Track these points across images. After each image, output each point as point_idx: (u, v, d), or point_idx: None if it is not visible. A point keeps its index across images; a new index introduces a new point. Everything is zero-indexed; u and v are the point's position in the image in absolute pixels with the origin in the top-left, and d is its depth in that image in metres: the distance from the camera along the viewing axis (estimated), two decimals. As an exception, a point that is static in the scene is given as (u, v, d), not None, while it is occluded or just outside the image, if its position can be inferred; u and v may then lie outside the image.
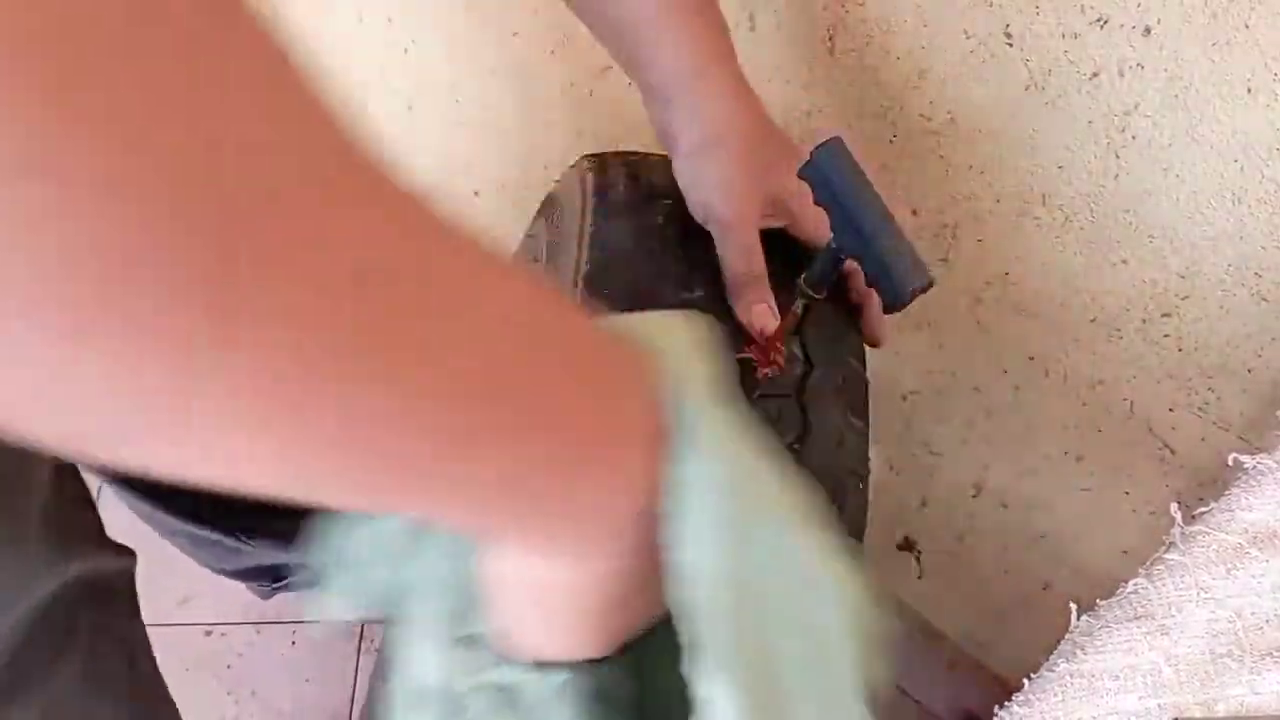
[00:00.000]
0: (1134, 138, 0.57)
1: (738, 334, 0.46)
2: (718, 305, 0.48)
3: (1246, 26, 0.50)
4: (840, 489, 0.42)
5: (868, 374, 0.48)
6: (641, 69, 0.51)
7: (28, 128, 0.12)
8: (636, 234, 0.50)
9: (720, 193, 0.49)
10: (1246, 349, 0.61)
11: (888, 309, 0.44)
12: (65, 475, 0.49)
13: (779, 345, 0.45)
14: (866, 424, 0.46)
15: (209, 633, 1.15)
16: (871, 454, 0.95)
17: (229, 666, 1.13)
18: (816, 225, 0.48)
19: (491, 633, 0.29)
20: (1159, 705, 0.35)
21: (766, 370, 0.45)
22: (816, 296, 0.45)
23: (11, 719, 0.47)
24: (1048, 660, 0.38)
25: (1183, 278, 0.61)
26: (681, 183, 0.51)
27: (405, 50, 1.10)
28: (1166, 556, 0.39)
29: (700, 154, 0.50)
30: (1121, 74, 0.56)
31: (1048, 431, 0.78)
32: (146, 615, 0.65)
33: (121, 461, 0.17)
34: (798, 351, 0.46)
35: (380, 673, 0.41)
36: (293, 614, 1.16)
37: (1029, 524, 0.87)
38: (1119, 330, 0.67)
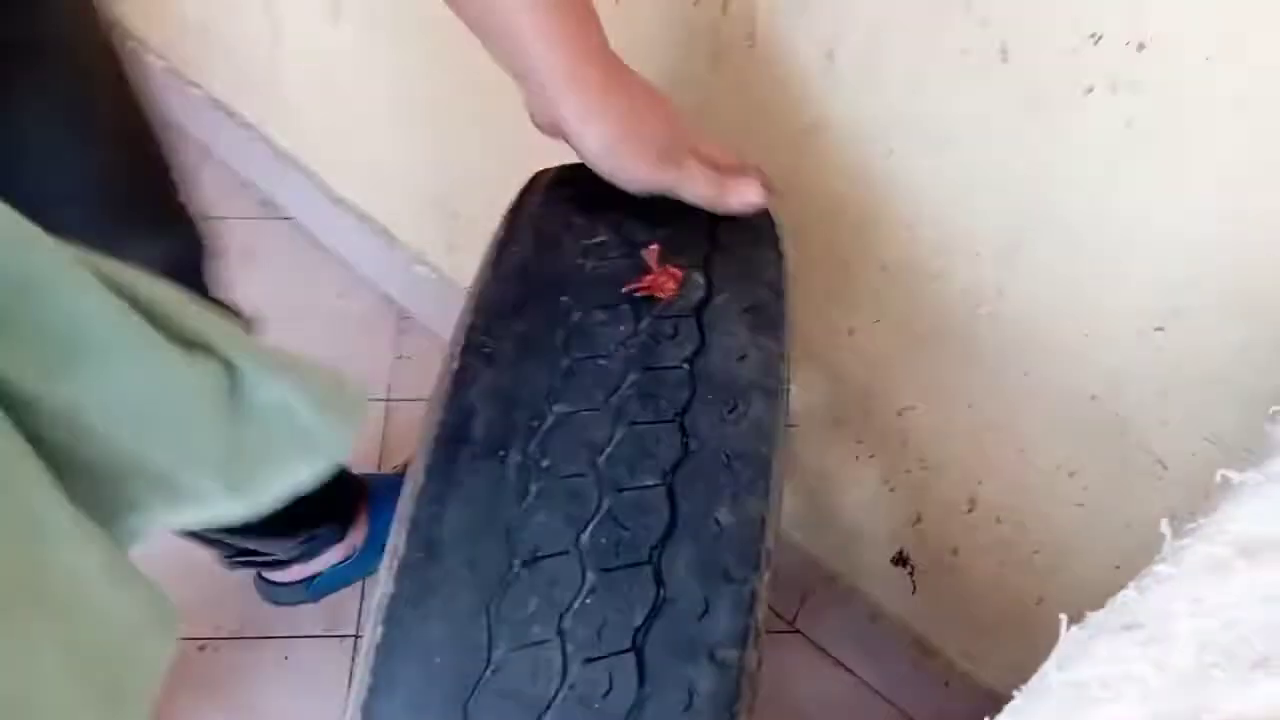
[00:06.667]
0: (1130, 152, 0.58)
1: (634, 271, 0.53)
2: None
3: (1241, 40, 0.50)
4: (742, 398, 0.49)
5: (786, 307, 0.55)
6: (522, 75, 0.54)
7: None
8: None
9: (646, 167, 0.54)
10: (1241, 364, 0.62)
11: None
12: None
13: (673, 272, 0.53)
14: (779, 344, 0.53)
15: (202, 648, 1.14)
16: (867, 468, 0.95)
17: (222, 682, 1.12)
18: (707, 182, 0.56)
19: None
20: (1148, 715, 0.35)
21: (660, 295, 0.52)
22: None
23: None
24: (1038, 670, 0.38)
25: (1178, 291, 0.61)
26: (604, 172, 0.55)
27: (395, 64, 1.11)
28: (1156, 568, 0.39)
29: (611, 154, 0.54)
30: (1116, 89, 0.56)
31: (1041, 447, 0.78)
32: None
33: None
34: (699, 279, 0.54)
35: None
36: (287, 629, 1.16)
37: (1023, 539, 0.87)
38: (1114, 344, 0.67)
